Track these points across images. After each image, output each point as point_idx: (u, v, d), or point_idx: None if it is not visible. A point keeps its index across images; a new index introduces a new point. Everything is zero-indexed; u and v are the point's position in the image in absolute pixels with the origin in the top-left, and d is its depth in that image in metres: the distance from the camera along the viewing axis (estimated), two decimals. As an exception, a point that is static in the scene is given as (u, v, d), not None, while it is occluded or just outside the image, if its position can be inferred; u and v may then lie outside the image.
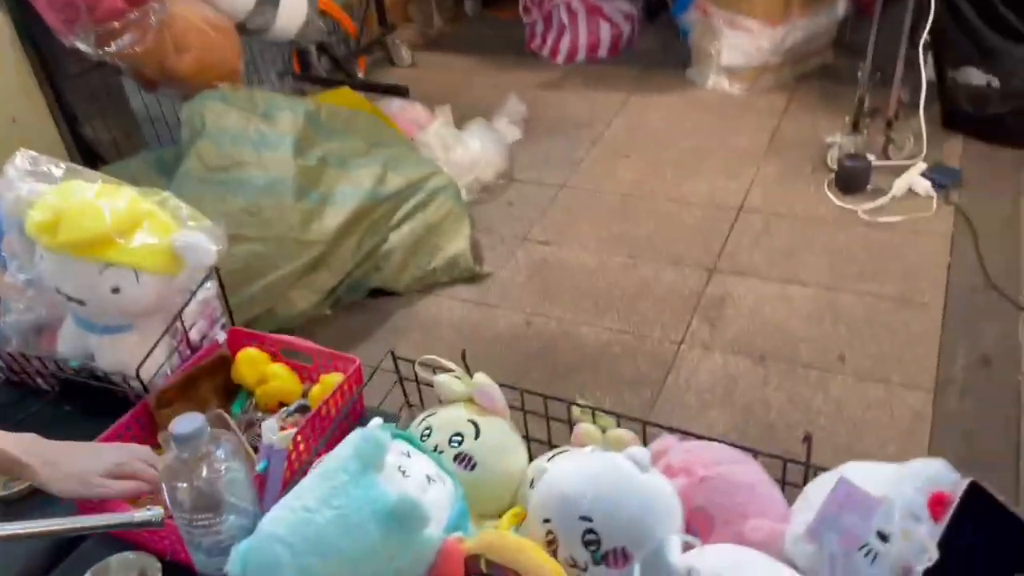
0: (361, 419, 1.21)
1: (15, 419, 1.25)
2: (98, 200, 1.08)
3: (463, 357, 1.08)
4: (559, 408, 1.07)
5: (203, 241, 1.12)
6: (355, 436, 0.92)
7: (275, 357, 1.28)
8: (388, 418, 1.13)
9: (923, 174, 2.70)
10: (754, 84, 3.40)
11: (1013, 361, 2.09)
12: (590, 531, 0.79)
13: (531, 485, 0.97)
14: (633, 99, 3.50)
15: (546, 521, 0.83)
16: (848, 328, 2.25)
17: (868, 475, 0.79)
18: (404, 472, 0.89)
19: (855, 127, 2.83)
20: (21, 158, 1.13)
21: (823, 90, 3.34)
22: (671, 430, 0.95)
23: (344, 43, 3.80)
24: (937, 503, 0.75)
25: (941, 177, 2.70)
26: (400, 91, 3.56)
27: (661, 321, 2.36)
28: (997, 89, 2.77)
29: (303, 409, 1.23)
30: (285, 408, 1.23)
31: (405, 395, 1.17)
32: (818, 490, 0.82)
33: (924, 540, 0.70)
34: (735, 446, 0.92)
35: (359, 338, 2.43)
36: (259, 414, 1.23)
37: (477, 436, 0.99)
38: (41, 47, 2.51)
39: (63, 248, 1.08)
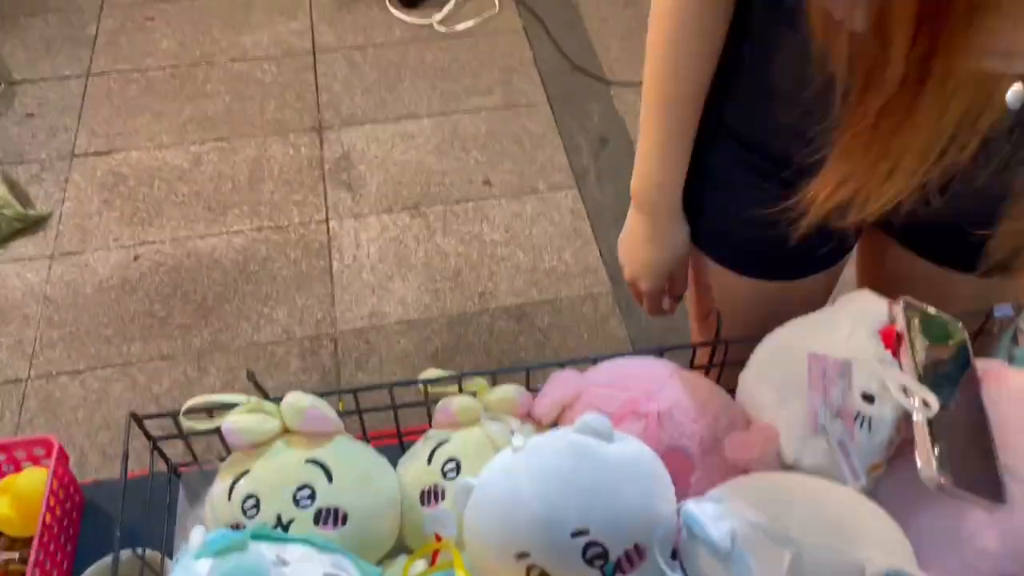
0: (97, 517, 0.83)
1: None
2: None
3: (251, 378, 0.75)
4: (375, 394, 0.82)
5: None
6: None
7: None
8: (147, 496, 0.78)
9: (475, -29, 2.64)
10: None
11: (623, 134, 2.24)
12: (591, 544, 0.61)
13: (431, 502, 0.74)
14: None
15: (522, 556, 0.62)
16: (479, 150, 2.19)
17: (812, 335, 0.72)
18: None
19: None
20: None
21: None
22: (561, 365, 0.78)
23: None
24: (889, 338, 0.71)
25: (489, -30, 2.67)
26: None
27: (295, 202, 2.06)
28: None
29: (-13, 540, 0.80)
30: (-42, 554, 0.78)
31: (168, 463, 0.80)
32: (762, 373, 0.73)
33: (915, 388, 0.66)
34: (637, 353, 0.78)
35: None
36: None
37: (331, 479, 0.71)
38: None
39: None
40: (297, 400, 0.73)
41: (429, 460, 0.76)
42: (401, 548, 0.75)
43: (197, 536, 0.63)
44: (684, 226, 0.89)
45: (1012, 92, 0.53)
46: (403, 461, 0.78)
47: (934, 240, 0.87)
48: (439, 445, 0.76)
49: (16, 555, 0.78)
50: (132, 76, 2.36)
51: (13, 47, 2.38)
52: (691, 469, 0.69)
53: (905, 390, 0.68)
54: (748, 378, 0.74)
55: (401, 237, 1.99)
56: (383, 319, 1.83)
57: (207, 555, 0.60)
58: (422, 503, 0.75)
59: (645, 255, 0.91)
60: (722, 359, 0.80)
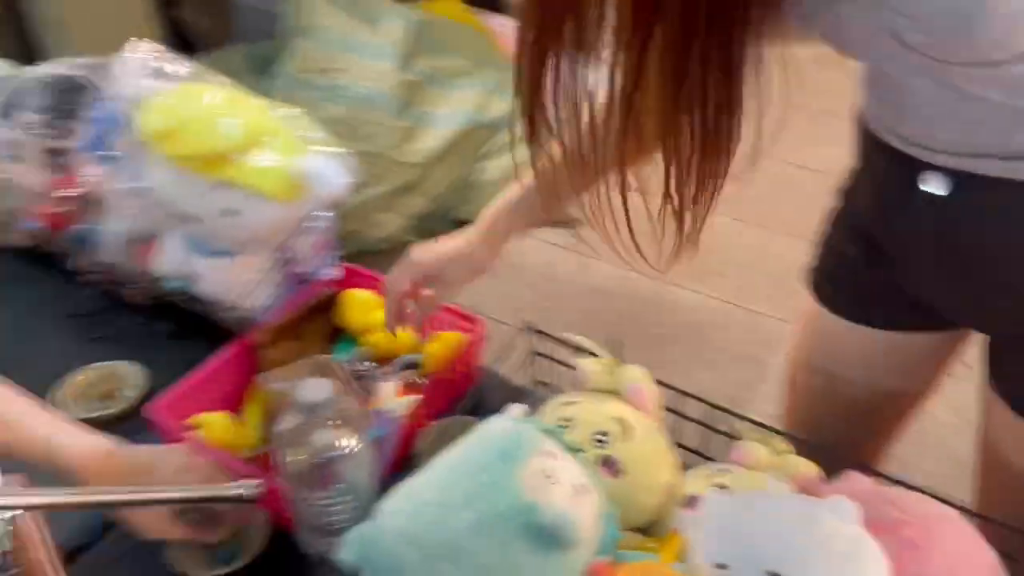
0: (475, 389, 1.09)
1: (102, 332, 1.17)
2: (223, 110, 0.95)
3: (610, 345, 0.94)
4: (695, 411, 0.93)
5: (332, 169, 0.99)
6: (495, 428, 0.79)
7: (387, 301, 1.15)
8: (511, 395, 1.01)
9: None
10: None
11: None
12: (778, 593, 0.66)
13: (689, 506, 0.84)
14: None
15: (720, 567, 0.70)
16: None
17: None
18: (550, 478, 0.76)
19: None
20: (145, 48, 1.00)
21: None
22: (866, 470, 0.81)
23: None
24: None
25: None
26: (498, 5, 3.36)
27: (768, 295, 2.20)
28: None
29: (413, 366, 1.12)
30: (397, 360, 1.11)
31: (535, 375, 1.04)
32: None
33: None
34: (946, 502, 0.77)
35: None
36: (364, 364, 1.11)
37: (626, 438, 0.86)
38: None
39: (180, 160, 0.95)
40: (635, 373, 0.90)
41: (708, 475, 0.85)
42: (642, 529, 0.86)
43: (516, 410, 0.84)
44: (485, 249, 0.97)
45: None
46: (693, 468, 0.89)
47: None
48: (721, 472, 0.85)
49: (423, 382, 1.08)
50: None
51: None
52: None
53: None
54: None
55: None
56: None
57: (514, 416, 0.80)
58: (682, 505, 0.85)
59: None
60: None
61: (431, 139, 2.29)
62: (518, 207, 0.97)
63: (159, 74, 0.99)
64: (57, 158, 1.13)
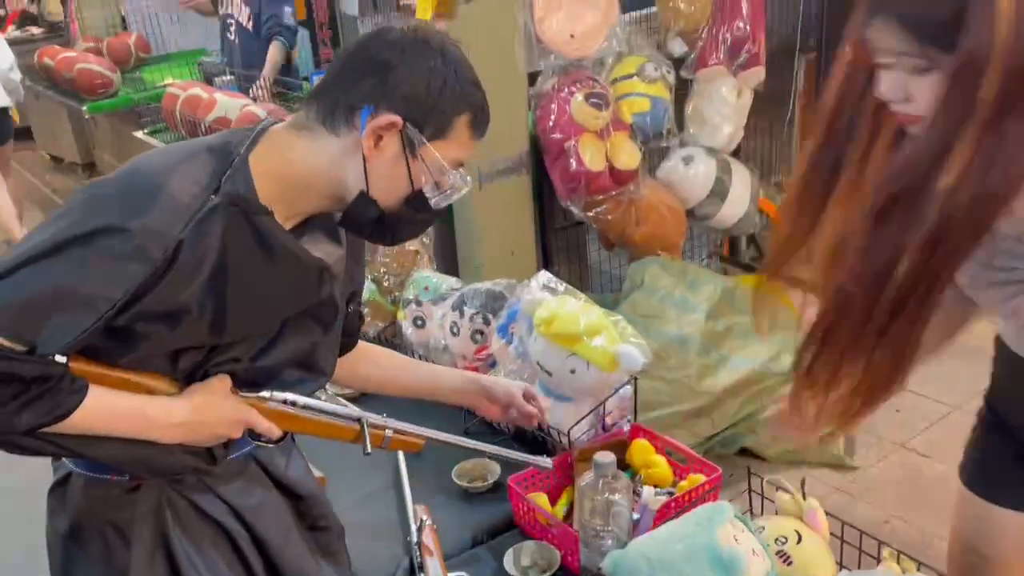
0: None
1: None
2: (580, 312, 1.64)
3: (802, 486, 1.39)
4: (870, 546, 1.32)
5: (636, 354, 1.61)
6: (708, 504, 1.30)
7: (659, 451, 1.70)
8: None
9: None
10: None
11: None
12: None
13: None
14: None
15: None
16: None
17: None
18: (736, 540, 1.24)
19: None
20: (542, 276, 1.75)
21: None
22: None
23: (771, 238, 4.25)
24: None
25: None
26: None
27: None
28: None
29: (670, 494, 1.63)
30: (658, 489, 1.63)
31: (750, 503, 1.51)
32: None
33: None
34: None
35: (722, 486, 2.75)
36: (640, 487, 1.65)
37: (799, 542, 1.30)
38: (544, 202, 3.36)
39: (550, 336, 1.64)
40: (812, 502, 1.34)
41: (852, 578, 1.25)
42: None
43: (728, 503, 1.33)
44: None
45: None
46: (844, 577, 1.28)
47: None
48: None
49: (671, 498, 1.58)
50: (985, 422, 2.92)
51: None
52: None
53: None
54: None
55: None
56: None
57: (726, 504, 1.30)
58: None
59: None
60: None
61: (725, 376, 2.83)
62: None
63: (548, 289, 1.72)
64: (479, 335, 1.90)
